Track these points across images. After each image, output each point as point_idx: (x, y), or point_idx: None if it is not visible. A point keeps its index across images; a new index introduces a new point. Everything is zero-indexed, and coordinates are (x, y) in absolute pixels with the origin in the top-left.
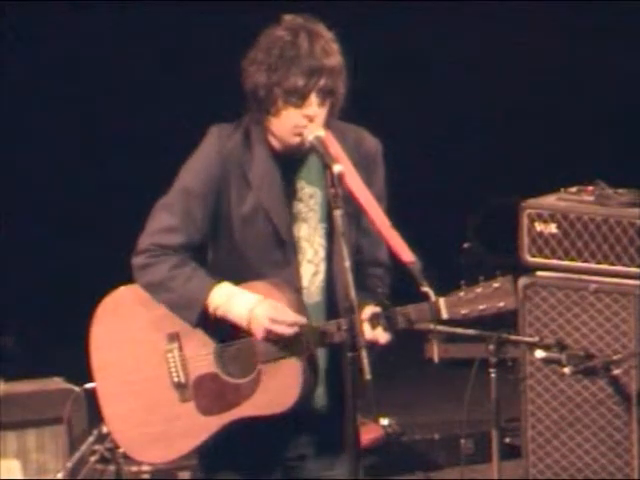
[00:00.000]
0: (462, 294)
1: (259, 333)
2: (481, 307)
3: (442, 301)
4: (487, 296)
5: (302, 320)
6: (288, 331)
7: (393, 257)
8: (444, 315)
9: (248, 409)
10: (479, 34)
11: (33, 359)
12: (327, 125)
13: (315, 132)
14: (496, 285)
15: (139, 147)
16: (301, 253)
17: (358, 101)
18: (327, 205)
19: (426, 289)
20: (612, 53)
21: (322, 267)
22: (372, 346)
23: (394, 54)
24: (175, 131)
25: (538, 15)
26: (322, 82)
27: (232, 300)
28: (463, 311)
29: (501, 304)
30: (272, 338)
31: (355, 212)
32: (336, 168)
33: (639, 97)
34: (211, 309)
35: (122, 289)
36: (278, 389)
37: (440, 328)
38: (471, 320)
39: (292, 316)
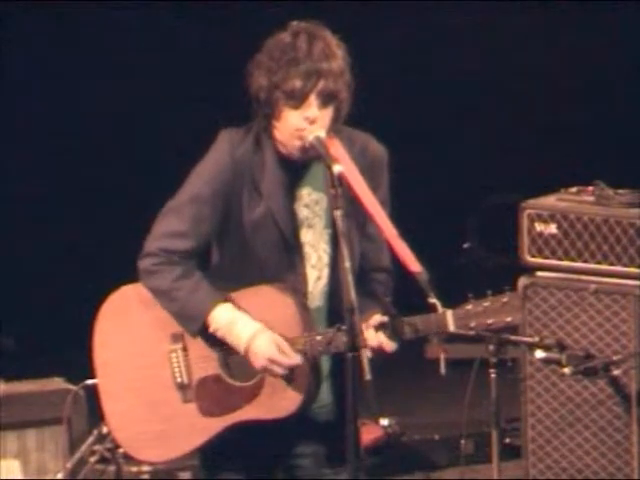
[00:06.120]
0: (470, 307)
1: (255, 366)
2: (489, 321)
3: (449, 314)
4: (495, 310)
5: (298, 361)
6: (282, 372)
7: (400, 266)
8: (451, 327)
9: (250, 412)
10: (479, 34)
11: (33, 359)
12: (334, 130)
13: (315, 132)
14: (504, 300)
15: (145, 148)
16: (305, 258)
17: (357, 101)
18: (332, 211)
19: (433, 300)
20: (613, 52)
21: (325, 272)
22: (378, 354)
23: (394, 54)
24: (181, 130)
25: (539, 15)
26: (321, 84)
27: (232, 326)
28: (470, 324)
29: (509, 319)
30: (268, 372)
31: (361, 219)
32: (336, 168)
33: (639, 96)
34: (211, 329)
35: (128, 287)
36: (281, 393)
37: None
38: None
39: (288, 357)
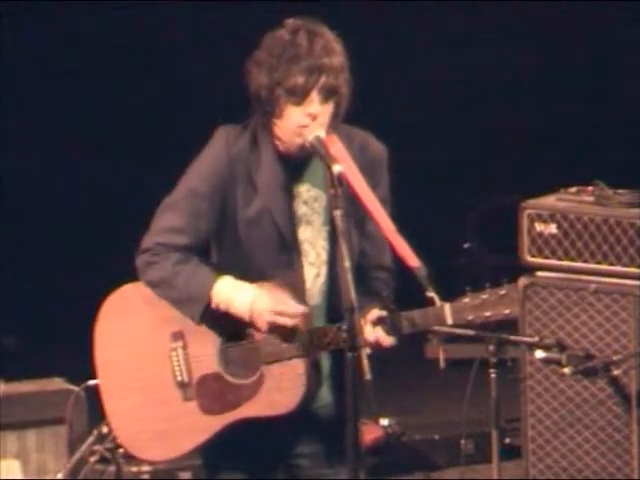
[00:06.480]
0: (468, 300)
1: (262, 327)
2: (487, 314)
3: (447, 307)
4: (493, 303)
5: (304, 309)
6: (291, 322)
7: (399, 262)
8: (449, 321)
9: (250, 410)
10: (478, 34)
11: (33, 359)
12: (333, 128)
13: (315, 132)
14: (502, 292)
15: (145, 146)
16: (303, 255)
17: (357, 100)
18: (331, 209)
19: (431, 294)
20: (613, 52)
21: (323, 270)
22: (376, 349)
23: (393, 54)
24: (181, 129)
25: (538, 15)
26: (323, 80)
27: (233, 295)
28: (468, 317)
29: (507, 311)
30: (276, 330)
31: (360, 216)
32: (336, 168)
33: (639, 96)
34: (214, 304)
35: (128, 286)
36: (281, 390)
37: (440, 328)
38: (475, 325)
39: (293, 306)
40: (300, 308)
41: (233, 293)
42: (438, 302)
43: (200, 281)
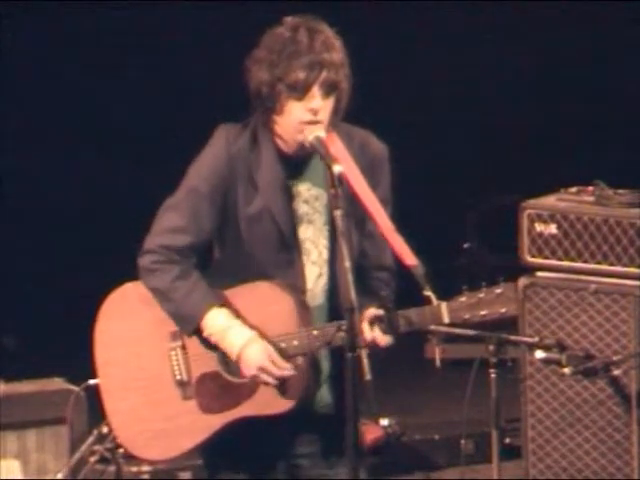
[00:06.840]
0: (464, 299)
1: (245, 375)
2: (483, 312)
3: (444, 305)
4: (489, 302)
5: (290, 372)
6: (273, 382)
7: (397, 261)
8: (445, 319)
9: (249, 408)
10: (478, 34)
11: (33, 359)
12: (333, 126)
13: (315, 132)
14: (498, 291)
15: (145, 145)
16: (305, 254)
17: (357, 100)
18: (332, 209)
19: (428, 293)
20: (613, 52)
21: (325, 269)
22: (373, 348)
23: (393, 54)
24: (181, 129)
25: (538, 15)
26: (324, 75)
27: (225, 333)
28: (465, 316)
29: (503, 310)
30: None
31: (360, 216)
32: (336, 168)
33: (639, 96)
34: (205, 333)
35: (128, 285)
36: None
37: (440, 328)
38: (472, 324)
39: (280, 366)
40: (286, 370)
41: (225, 331)
42: (435, 301)
43: (195, 302)
